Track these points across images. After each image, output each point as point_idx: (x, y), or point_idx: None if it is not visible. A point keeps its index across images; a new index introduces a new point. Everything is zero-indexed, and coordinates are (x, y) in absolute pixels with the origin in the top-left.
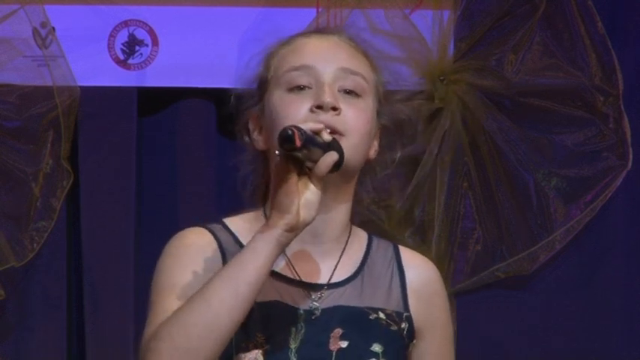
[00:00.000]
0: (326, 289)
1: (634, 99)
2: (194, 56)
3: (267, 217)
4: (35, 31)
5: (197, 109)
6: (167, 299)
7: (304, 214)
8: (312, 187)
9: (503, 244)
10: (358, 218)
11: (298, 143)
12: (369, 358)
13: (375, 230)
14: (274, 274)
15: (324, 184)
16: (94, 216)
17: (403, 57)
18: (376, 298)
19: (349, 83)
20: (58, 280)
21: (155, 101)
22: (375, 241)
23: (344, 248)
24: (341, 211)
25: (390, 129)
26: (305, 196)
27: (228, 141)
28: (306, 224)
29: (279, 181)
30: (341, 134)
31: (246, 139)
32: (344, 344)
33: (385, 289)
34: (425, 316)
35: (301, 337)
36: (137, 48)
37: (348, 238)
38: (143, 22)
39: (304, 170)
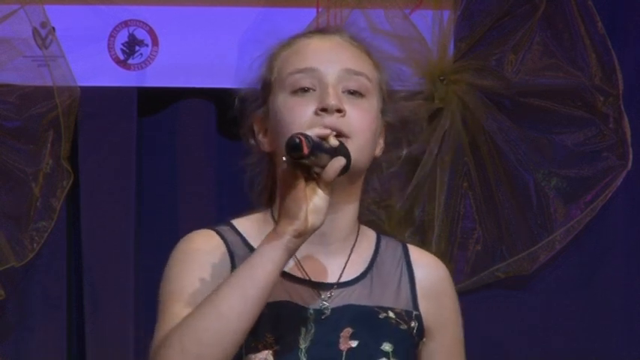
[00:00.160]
0: (335, 288)
1: (634, 99)
2: (194, 56)
3: (274, 219)
4: (35, 31)
5: (197, 109)
6: (176, 305)
7: (313, 220)
8: (320, 192)
9: (503, 244)
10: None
11: (306, 151)
12: (379, 357)
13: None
14: (283, 274)
15: (331, 186)
16: (94, 216)
17: (403, 57)
18: (385, 297)
19: (353, 84)
20: (58, 280)
21: (155, 101)
22: (384, 240)
23: (353, 247)
24: (348, 211)
25: (396, 126)
26: (313, 201)
27: (228, 141)
28: (315, 229)
29: (287, 187)
30: (346, 136)
31: (252, 141)
32: (354, 344)
33: (394, 288)
34: (435, 315)
35: (311, 337)
36: (137, 48)
37: (357, 237)
38: (143, 22)
39: (312, 176)
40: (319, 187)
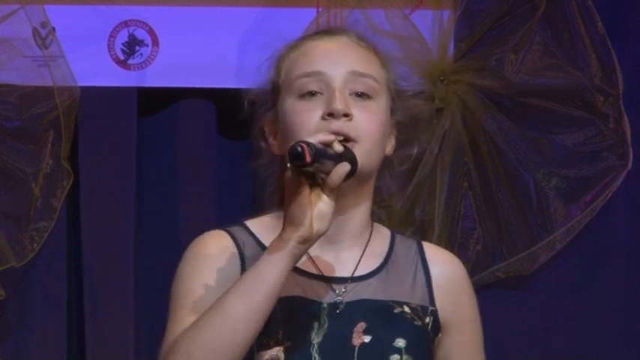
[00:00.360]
0: (350, 282)
1: (634, 99)
2: (194, 56)
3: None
4: (35, 31)
5: (197, 109)
6: (185, 309)
7: (318, 226)
8: (325, 198)
9: (503, 244)
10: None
11: (308, 159)
12: (392, 353)
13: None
14: (296, 270)
15: (341, 189)
16: (94, 216)
17: (403, 57)
18: (401, 291)
19: (360, 86)
20: (58, 280)
21: (155, 101)
22: (398, 237)
23: (367, 243)
24: (360, 212)
25: (406, 124)
26: (318, 207)
27: (228, 141)
28: (320, 235)
29: (292, 194)
30: (354, 141)
31: (263, 144)
32: (367, 339)
33: (409, 283)
34: (451, 312)
35: (324, 332)
36: (137, 48)
37: (371, 234)
38: (143, 22)
39: (317, 182)
40: (324, 192)
